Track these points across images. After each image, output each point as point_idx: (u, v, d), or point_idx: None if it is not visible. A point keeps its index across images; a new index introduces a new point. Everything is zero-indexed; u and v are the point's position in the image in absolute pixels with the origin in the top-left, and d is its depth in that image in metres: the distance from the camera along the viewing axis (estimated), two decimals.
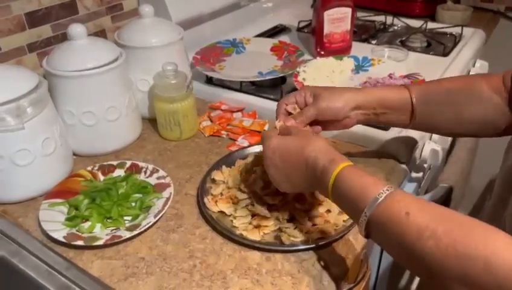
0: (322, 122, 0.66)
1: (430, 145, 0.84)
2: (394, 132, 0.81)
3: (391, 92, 0.66)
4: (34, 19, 0.84)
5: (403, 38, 1.23)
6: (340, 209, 0.53)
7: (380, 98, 0.65)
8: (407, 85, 0.67)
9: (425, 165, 0.87)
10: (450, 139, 0.88)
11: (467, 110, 0.65)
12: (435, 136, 0.87)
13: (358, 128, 0.81)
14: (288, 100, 0.66)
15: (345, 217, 0.63)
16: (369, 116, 0.66)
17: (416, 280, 1.11)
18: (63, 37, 0.88)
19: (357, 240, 0.61)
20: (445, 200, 0.89)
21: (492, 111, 0.63)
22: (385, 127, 0.81)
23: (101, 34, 0.97)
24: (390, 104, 0.65)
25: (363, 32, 1.28)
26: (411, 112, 0.65)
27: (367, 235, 0.48)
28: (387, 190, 0.46)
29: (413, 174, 0.87)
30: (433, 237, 0.40)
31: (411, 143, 0.78)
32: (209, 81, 1.00)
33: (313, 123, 0.65)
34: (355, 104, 0.65)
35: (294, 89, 0.90)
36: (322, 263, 0.57)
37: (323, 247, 0.59)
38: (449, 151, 1.00)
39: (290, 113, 0.65)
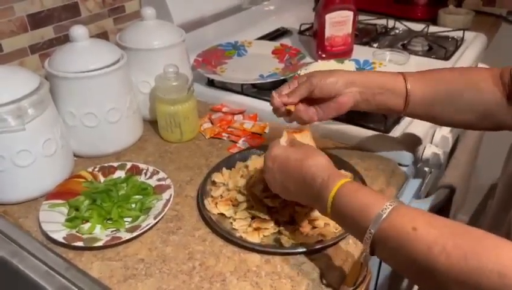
0: (321, 106, 0.65)
1: (431, 149, 0.84)
2: (395, 135, 0.81)
3: (386, 75, 0.66)
4: (37, 20, 0.85)
5: (405, 42, 1.23)
6: (340, 226, 0.53)
7: (376, 79, 0.65)
8: (403, 72, 0.66)
9: (426, 169, 0.87)
10: (451, 142, 0.87)
11: (464, 99, 0.64)
12: (437, 139, 0.87)
13: (359, 131, 0.81)
14: (283, 89, 0.66)
15: None
16: (366, 96, 0.64)
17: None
18: (65, 39, 0.88)
19: (356, 243, 0.61)
20: (446, 203, 0.89)
21: (490, 102, 0.63)
22: (386, 130, 0.81)
23: (102, 36, 0.98)
24: (386, 85, 0.64)
25: (364, 36, 1.29)
26: (405, 96, 0.64)
27: (372, 253, 0.48)
28: (391, 205, 0.46)
29: (414, 178, 0.87)
30: (444, 252, 0.40)
31: (412, 146, 0.78)
32: (211, 83, 1.00)
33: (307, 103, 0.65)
34: (348, 79, 0.64)
35: None
36: (321, 266, 0.57)
37: (323, 250, 0.59)
38: (450, 155, 1.00)
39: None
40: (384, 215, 0.45)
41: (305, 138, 0.63)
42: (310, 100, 0.65)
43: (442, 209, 0.88)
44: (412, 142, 0.79)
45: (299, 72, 0.94)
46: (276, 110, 0.66)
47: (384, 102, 0.65)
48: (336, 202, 0.50)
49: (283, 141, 0.61)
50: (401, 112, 0.67)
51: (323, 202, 0.51)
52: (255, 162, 0.71)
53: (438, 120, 0.70)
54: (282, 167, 0.56)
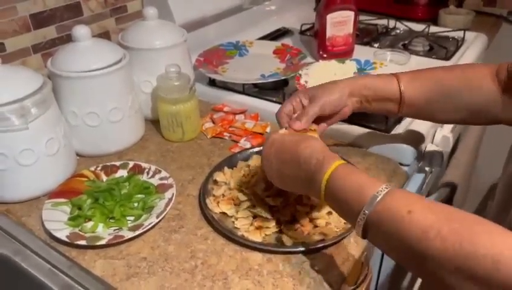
0: (323, 119, 0.67)
1: (432, 148, 0.84)
2: (396, 134, 0.81)
3: (380, 79, 0.67)
4: (39, 20, 0.85)
5: (405, 42, 1.23)
6: (333, 209, 0.52)
7: (367, 85, 0.66)
8: (396, 73, 0.68)
9: (427, 168, 0.87)
10: (452, 142, 0.88)
11: (460, 98, 0.65)
12: (437, 139, 0.88)
13: (360, 131, 0.82)
14: (286, 108, 0.65)
15: None
16: (363, 104, 0.68)
17: (418, 282, 1.11)
18: (68, 38, 0.88)
19: (357, 242, 0.61)
20: (447, 202, 0.90)
21: (486, 100, 0.64)
22: (387, 129, 0.81)
23: (105, 35, 0.98)
24: (380, 91, 0.66)
25: (365, 36, 1.29)
26: (399, 98, 0.66)
27: (364, 235, 0.47)
28: (386, 188, 0.46)
29: (415, 177, 0.87)
30: (439, 236, 0.40)
31: (413, 146, 0.78)
32: (212, 83, 1.00)
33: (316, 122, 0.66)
34: (349, 90, 0.66)
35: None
36: (322, 265, 0.58)
37: (324, 249, 0.60)
38: (451, 154, 1.01)
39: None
40: (379, 198, 0.45)
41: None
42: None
43: None
44: (412, 142, 0.79)
45: (300, 72, 0.95)
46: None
47: (380, 107, 0.68)
48: (330, 184, 0.50)
49: (282, 131, 0.62)
50: (396, 114, 0.69)
51: (317, 184, 0.51)
52: (257, 161, 0.72)
53: (432, 118, 0.72)
54: (278, 151, 0.57)
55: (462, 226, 0.40)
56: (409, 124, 0.84)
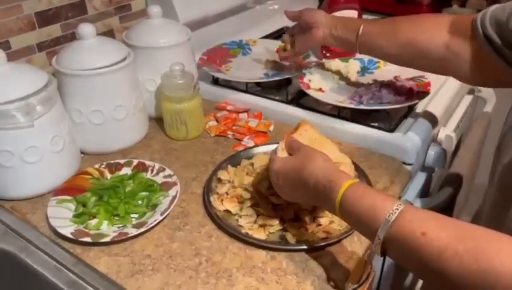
0: (299, 38, 0.88)
1: (435, 148, 0.84)
2: (399, 134, 0.81)
3: (346, 24, 0.82)
4: (44, 18, 0.85)
5: None
6: (353, 228, 0.54)
7: (338, 26, 0.82)
8: (363, 21, 0.81)
9: (430, 167, 0.87)
10: (455, 141, 0.88)
11: (405, 32, 0.74)
12: (441, 138, 0.87)
13: (363, 130, 0.82)
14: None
15: None
16: (328, 38, 0.84)
17: (420, 281, 1.11)
18: (72, 37, 0.89)
19: (361, 240, 0.61)
20: (450, 202, 0.90)
21: (433, 42, 0.70)
22: (390, 128, 0.81)
23: (109, 34, 0.98)
24: (342, 35, 0.82)
25: None
26: (355, 42, 0.79)
27: (383, 255, 0.48)
28: (397, 209, 0.45)
29: (418, 176, 0.87)
30: (456, 256, 0.40)
31: (416, 145, 0.78)
32: (216, 82, 1.00)
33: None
34: (326, 23, 0.83)
35: (300, 91, 0.91)
36: (326, 263, 0.58)
37: (328, 247, 0.60)
38: (454, 154, 1.01)
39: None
40: (391, 221, 0.45)
41: (304, 136, 0.63)
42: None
43: (445, 209, 0.88)
44: (415, 141, 0.79)
45: (303, 71, 0.95)
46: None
47: (340, 45, 0.84)
48: (343, 206, 0.50)
49: (280, 150, 0.60)
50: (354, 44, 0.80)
51: (330, 207, 0.52)
52: (260, 159, 0.72)
53: (380, 55, 0.82)
54: (286, 181, 0.57)
55: (477, 243, 0.40)
56: (412, 123, 0.84)
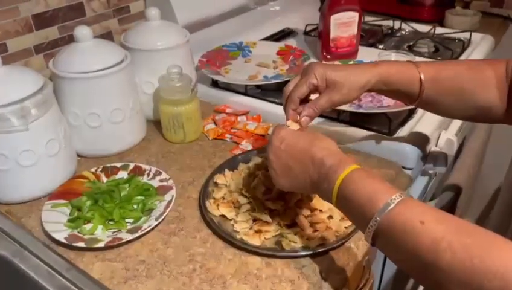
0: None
1: (436, 151, 0.83)
2: (399, 137, 0.80)
3: (402, 74, 0.64)
4: (42, 20, 0.85)
5: (411, 43, 1.22)
6: (343, 213, 0.52)
7: (391, 80, 0.64)
8: (418, 65, 0.66)
9: (431, 172, 0.86)
10: (456, 145, 0.86)
11: (472, 94, 0.64)
12: (442, 142, 0.86)
13: (363, 133, 0.81)
14: (301, 92, 0.62)
15: (347, 223, 0.62)
16: (376, 91, 0.66)
17: (421, 287, 1.10)
18: (70, 39, 0.88)
19: (358, 247, 0.60)
20: (451, 206, 0.89)
21: (494, 98, 0.63)
22: (390, 132, 0.80)
23: (107, 36, 0.98)
24: (400, 87, 0.64)
25: (370, 37, 1.28)
26: (419, 91, 0.65)
27: (373, 242, 0.47)
28: (400, 196, 0.45)
29: (419, 180, 0.86)
30: (450, 249, 0.39)
31: (416, 149, 0.77)
32: (215, 84, 1.00)
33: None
34: (370, 86, 0.63)
35: None
36: (322, 270, 0.57)
37: (324, 253, 0.59)
38: (456, 157, 0.99)
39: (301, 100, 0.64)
40: (393, 205, 0.44)
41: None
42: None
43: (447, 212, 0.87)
44: (416, 145, 0.78)
45: None
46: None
47: (393, 97, 0.70)
48: (343, 187, 0.49)
49: (289, 123, 0.60)
50: (412, 103, 0.68)
51: (329, 185, 0.50)
52: (258, 164, 0.71)
53: (442, 114, 0.72)
54: (289, 147, 0.56)
55: (473, 241, 0.39)
56: (412, 126, 0.83)
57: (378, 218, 0.45)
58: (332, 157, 0.52)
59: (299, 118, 0.62)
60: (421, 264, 0.41)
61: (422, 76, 0.64)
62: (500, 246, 0.39)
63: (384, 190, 0.46)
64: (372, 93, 0.85)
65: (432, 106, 0.68)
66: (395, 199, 0.45)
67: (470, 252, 0.38)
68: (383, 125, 0.82)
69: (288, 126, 0.60)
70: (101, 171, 0.74)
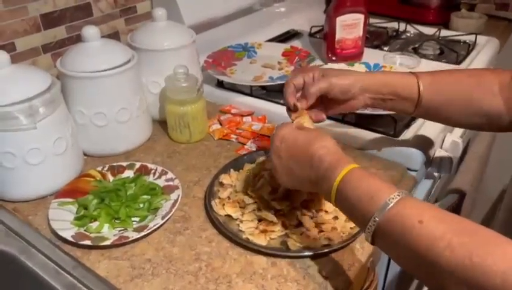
0: (329, 104, 0.66)
1: (441, 154, 0.83)
2: (404, 139, 0.80)
3: (399, 79, 0.65)
4: (50, 20, 0.86)
5: (416, 46, 1.22)
6: (343, 212, 0.52)
7: (387, 84, 0.65)
8: (416, 72, 0.66)
9: (436, 174, 0.86)
10: (461, 147, 0.86)
11: (475, 103, 0.64)
12: (447, 144, 0.87)
13: (368, 135, 0.81)
14: (296, 80, 0.64)
15: (352, 224, 0.62)
16: (376, 101, 0.66)
17: (425, 288, 1.10)
18: (78, 39, 0.89)
19: (363, 248, 0.60)
20: (455, 209, 0.89)
21: (499, 106, 0.63)
22: (395, 134, 0.81)
23: (114, 36, 0.99)
24: (397, 91, 0.65)
25: (375, 39, 1.28)
26: (417, 99, 0.65)
27: (373, 241, 0.47)
28: (399, 195, 0.45)
29: (423, 183, 0.86)
30: (449, 247, 0.39)
31: (421, 151, 0.77)
32: (220, 84, 1.00)
33: (319, 104, 0.66)
34: (362, 84, 0.64)
35: None
36: (328, 270, 0.57)
37: (330, 254, 0.59)
38: (460, 160, 0.99)
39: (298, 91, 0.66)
40: (391, 205, 0.44)
41: (306, 121, 0.63)
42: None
43: None
44: (421, 147, 0.79)
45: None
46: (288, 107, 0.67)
47: (394, 106, 0.67)
48: (342, 187, 0.49)
49: (294, 118, 0.61)
50: (410, 114, 0.68)
51: (328, 184, 0.50)
52: (263, 164, 0.71)
53: (447, 122, 0.71)
54: (289, 147, 0.56)
55: (473, 239, 0.39)
56: (418, 128, 0.83)
57: (377, 218, 0.45)
58: (330, 156, 0.52)
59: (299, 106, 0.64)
60: (421, 263, 0.41)
61: (420, 81, 0.64)
62: (501, 244, 0.39)
63: (382, 188, 0.46)
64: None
65: (433, 114, 0.67)
66: (393, 198, 0.45)
67: (469, 250, 0.38)
68: (388, 127, 0.82)
69: (293, 121, 0.61)
70: (108, 170, 0.74)
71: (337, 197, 0.50)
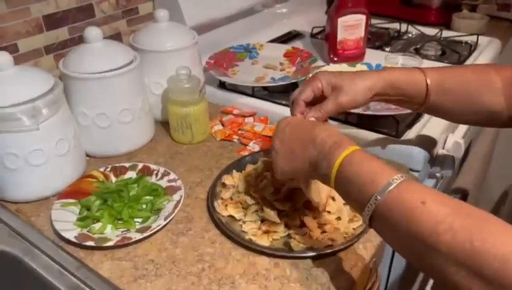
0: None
1: (444, 154, 0.83)
2: (406, 139, 0.80)
3: (408, 79, 0.64)
4: (52, 21, 0.86)
5: (417, 46, 1.22)
6: (341, 194, 0.50)
7: (394, 85, 0.64)
8: (423, 69, 0.66)
9: (438, 174, 0.86)
10: (463, 148, 0.86)
11: (478, 99, 0.64)
12: (449, 144, 0.86)
13: (370, 136, 0.81)
14: (306, 95, 0.63)
15: (355, 225, 0.62)
16: (382, 100, 0.67)
17: (428, 288, 1.10)
18: (80, 40, 0.89)
19: (366, 248, 0.60)
20: None
21: (501, 102, 0.63)
22: (397, 134, 0.80)
23: (116, 37, 0.99)
24: (404, 92, 0.65)
25: (376, 40, 1.28)
26: (425, 96, 0.65)
27: (370, 224, 0.46)
28: (402, 177, 0.44)
29: (426, 183, 0.86)
30: (450, 230, 0.39)
31: (423, 152, 0.77)
32: (222, 85, 1.00)
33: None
34: (375, 91, 0.64)
35: None
36: (330, 271, 0.57)
37: (332, 254, 0.59)
38: (463, 160, 0.99)
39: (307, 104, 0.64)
40: (394, 185, 0.44)
41: None
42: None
43: None
44: (424, 147, 0.78)
45: (310, 75, 0.94)
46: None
47: (400, 104, 0.68)
48: (343, 167, 0.48)
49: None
50: (415, 110, 0.69)
51: (329, 163, 0.50)
52: (265, 164, 0.71)
53: (450, 119, 0.72)
54: (293, 129, 0.57)
55: (474, 222, 0.39)
56: (420, 129, 0.83)
57: (378, 197, 0.44)
58: (333, 137, 0.52)
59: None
60: (420, 246, 0.41)
61: (428, 79, 0.64)
62: (501, 229, 0.38)
63: (385, 171, 0.46)
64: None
65: (440, 111, 0.67)
66: (396, 179, 0.44)
67: (470, 234, 0.38)
68: (390, 127, 0.82)
69: None
70: (110, 171, 0.74)
71: (337, 177, 0.49)
